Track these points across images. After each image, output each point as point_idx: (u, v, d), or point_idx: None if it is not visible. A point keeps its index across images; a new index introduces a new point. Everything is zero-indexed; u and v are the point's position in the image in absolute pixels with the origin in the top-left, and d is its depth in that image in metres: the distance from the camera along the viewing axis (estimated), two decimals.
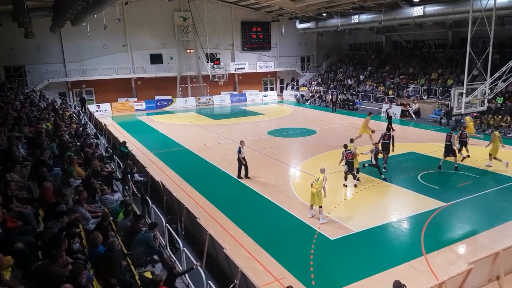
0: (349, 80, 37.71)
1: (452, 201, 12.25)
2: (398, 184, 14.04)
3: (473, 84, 17.40)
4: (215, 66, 36.23)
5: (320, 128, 24.53)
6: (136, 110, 35.16)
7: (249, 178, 15.14)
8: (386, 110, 24.21)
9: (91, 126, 23.59)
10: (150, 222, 9.56)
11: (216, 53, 38.33)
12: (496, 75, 16.58)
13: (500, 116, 22.51)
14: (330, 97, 33.36)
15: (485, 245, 9.39)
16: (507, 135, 21.07)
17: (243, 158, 14.99)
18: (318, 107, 35.04)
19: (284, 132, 23.51)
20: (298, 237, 10.46)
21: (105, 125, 23.43)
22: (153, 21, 36.08)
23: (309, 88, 40.05)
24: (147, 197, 11.12)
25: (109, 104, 34.69)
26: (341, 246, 9.92)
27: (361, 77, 36.78)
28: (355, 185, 13.96)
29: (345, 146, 14.10)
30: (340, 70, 41.14)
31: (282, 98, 41.43)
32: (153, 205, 10.58)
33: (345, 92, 35.43)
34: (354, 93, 34.70)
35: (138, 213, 9.90)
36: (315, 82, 40.96)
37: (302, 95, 38.61)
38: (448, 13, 25.97)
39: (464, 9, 22.72)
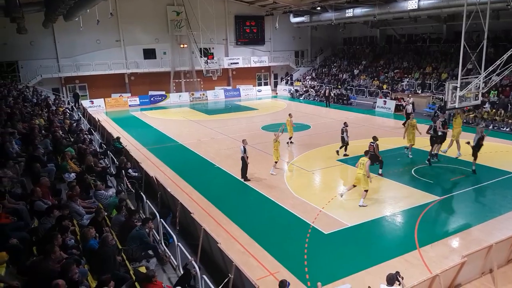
0: (343, 74, 37.72)
1: (446, 195, 12.36)
2: (392, 179, 14.10)
3: (467, 78, 17.44)
4: (208, 61, 36.16)
5: (314, 123, 24.55)
6: (130, 105, 34.99)
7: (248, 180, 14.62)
8: (405, 106, 24.22)
9: (84, 122, 23.42)
10: (144, 217, 9.55)
11: (209, 48, 38.18)
12: (490, 68, 16.62)
13: (494, 110, 22.64)
14: (324, 91, 33.38)
15: (478, 239, 9.47)
16: (501, 129, 21.23)
17: (247, 157, 14.40)
18: (313, 101, 35.06)
19: (278, 127, 23.43)
20: (292, 232, 10.49)
21: (98, 120, 23.28)
22: (146, 16, 35.81)
23: (303, 82, 40.01)
24: (141, 193, 11.09)
25: (102, 99, 34.49)
26: (335, 240, 9.97)
27: (356, 72, 36.81)
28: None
29: (374, 138, 14.15)
30: (335, 64, 41.12)
31: (276, 93, 41.38)
32: (147, 201, 10.56)
33: (339, 86, 35.45)
34: (349, 87, 34.74)
35: (133, 208, 9.88)
36: (309, 77, 40.94)
37: (296, 90, 38.58)
38: (443, 6, 25.95)
39: (459, 3, 22.72)
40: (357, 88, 34.04)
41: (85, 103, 32.90)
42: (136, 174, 13.31)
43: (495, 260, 7.86)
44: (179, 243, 8.07)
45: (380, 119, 26.51)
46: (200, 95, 38.50)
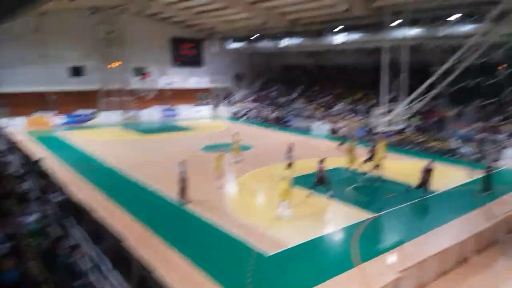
0: (282, 98, 38.90)
1: (380, 212, 12.91)
2: (331, 197, 14.46)
3: (392, 105, 18.96)
4: (143, 80, 35.20)
5: (256, 143, 24.69)
6: (55, 125, 32.52)
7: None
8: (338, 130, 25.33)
9: (3, 142, 21.22)
10: (71, 244, 8.65)
11: (145, 67, 37.19)
12: (412, 96, 18.20)
13: (420, 134, 24.46)
14: (264, 114, 34.05)
15: (412, 254, 9.86)
16: (425, 150, 22.94)
17: (186, 179, 13.97)
18: (253, 122, 35.44)
19: (218, 148, 23.24)
20: (234, 255, 10.20)
21: (19, 141, 21.24)
22: (76, 33, 33.90)
23: (244, 104, 40.51)
24: (67, 218, 10.11)
25: (24, 118, 31.67)
26: (276, 261, 9.84)
27: (293, 96, 38.18)
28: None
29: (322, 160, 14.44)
30: (273, 88, 42.30)
31: (216, 114, 41.26)
32: (74, 226, 9.63)
33: (278, 109, 36.41)
34: (287, 110, 35.82)
35: (58, 234, 8.92)
36: (250, 99, 41.60)
37: (237, 111, 38.88)
38: (368, 40, 28.31)
39: (381, 38, 24.55)
40: (294, 111, 35.23)
41: (4, 121, 29.98)
42: (61, 198, 12.19)
43: (428, 273, 8.25)
44: (112, 271, 7.39)
45: (316, 140, 27.48)
46: (133, 114, 36.93)
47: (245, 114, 37.93)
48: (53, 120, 32.81)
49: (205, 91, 43.54)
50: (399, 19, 21.70)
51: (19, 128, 30.42)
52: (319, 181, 14.21)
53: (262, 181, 16.73)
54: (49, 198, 11.43)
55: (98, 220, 10.49)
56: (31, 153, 18.10)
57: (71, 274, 7.25)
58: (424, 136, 23.92)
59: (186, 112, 39.77)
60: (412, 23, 20.38)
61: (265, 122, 33.06)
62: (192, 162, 19.39)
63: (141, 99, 36.90)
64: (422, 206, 13.82)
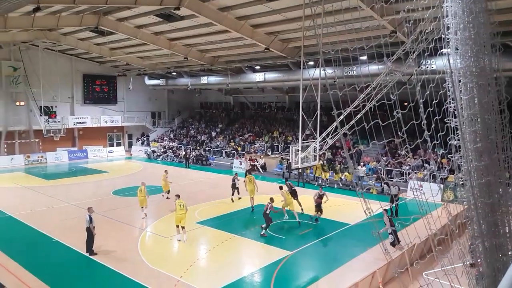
0: (201, 136, 38.69)
1: (296, 249, 13.10)
2: (248, 237, 14.39)
3: (307, 141, 19.87)
4: (50, 120, 32.77)
5: (173, 185, 23.85)
6: None
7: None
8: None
9: None
10: None
11: (52, 106, 34.74)
12: (324, 134, 19.30)
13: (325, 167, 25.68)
14: (184, 153, 33.46)
15: None
16: (336, 185, 24.19)
17: (94, 227, 12.79)
18: (171, 162, 34.45)
19: (132, 191, 21.83)
20: None
21: None
22: None
23: (161, 143, 39.37)
24: None
25: None
26: None
27: (213, 134, 38.24)
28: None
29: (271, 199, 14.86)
30: (193, 126, 42.04)
31: (131, 154, 39.44)
32: None
33: (198, 147, 36.03)
34: (207, 148, 35.59)
35: None
36: (167, 138, 40.63)
37: (153, 151, 37.58)
38: (284, 80, 30.05)
39: (297, 77, 26.23)
40: (215, 149, 35.14)
41: None
42: None
43: None
44: None
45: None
46: (38, 157, 33.66)
47: (164, 153, 36.86)
48: None
49: (119, 130, 41.72)
50: (314, 59, 23.33)
51: None
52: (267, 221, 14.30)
53: (175, 227, 16.01)
54: None
55: None
56: None
57: None
58: (333, 171, 24.99)
59: (97, 154, 37.44)
60: (326, 63, 22.01)
61: (186, 161, 32.39)
62: (102, 207, 18.19)
63: (48, 140, 34.05)
64: (336, 240, 14.33)
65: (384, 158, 24.65)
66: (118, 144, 41.50)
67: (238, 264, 12.31)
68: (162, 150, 37.45)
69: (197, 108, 46.47)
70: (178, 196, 14.48)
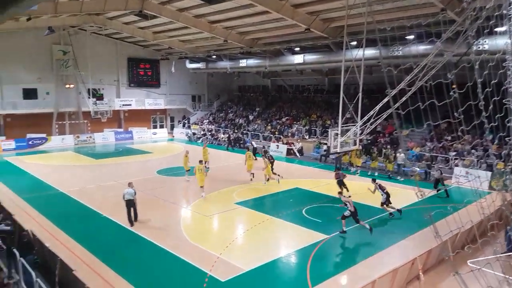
0: (239, 119, 39.05)
1: (333, 233, 13.08)
2: (285, 219, 14.52)
3: (347, 125, 19.50)
4: (97, 102, 34.29)
5: (213, 166, 24.46)
6: (3, 150, 30.59)
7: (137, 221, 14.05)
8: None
9: None
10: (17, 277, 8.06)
11: (99, 89, 36.28)
12: (365, 118, 18.80)
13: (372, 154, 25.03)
14: (227, 135, 34.14)
15: (363, 274, 10.03)
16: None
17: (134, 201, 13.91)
18: (210, 145, 35.11)
19: (174, 171, 22.82)
20: (188, 282, 9.92)
21: None
22: (28, 54, 32.70)
23: (201, 126, 40.22)
24: (13, 249, 9.42)
25: None
26: (232, 287, 9.67)
27: (251, 117, 38.45)
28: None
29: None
30: (231, 109, 42.46)
31: (173, 136, 40.65)
32: (21, 258, 8.98)
33: (235, 131, 36.47)
34: (244, 131, 35.94)
35: (3, 267, 8.27)
36: (207, 121, 41.39)
37: (194, 133, 38.50)
38: (324, 61, 29.25)
39: (338, 59, 25.29)
40: (252, 132, 35.41)
41: None
42: (8, 228, 11.39)
43: None
44: None
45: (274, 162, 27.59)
46: (87, 137, 35.63)
47: (203, 135, 37.65)
48: (3, 145, 30.90)
49: (162, 112, 43.01)
50: (357, 39, 22.45)
51: None
52: None
53: (215, 206, 16.52)
54: None
55: (45, 250, 9.90)
56: None
57: None
58: (373, 157, 24.11)
59: (142, 135, 38.92)
60: (369, 43, 21.11)
61: (228, 144, 32.97)
62: (146, 185, 19.05)
63: (95, 121, 35.79)
64: (375, 226, 14.13)
65: (429, 144, 23.78)
66: (161, 126, 42.92)
67: (275, 245, 12.52)
68: (202, 133, 38.29)
69: (235, 92, 46.78)
70: (200, 161, 17.94)
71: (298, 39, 28.42)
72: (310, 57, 29.83)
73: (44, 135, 33.49)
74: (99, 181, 20.63)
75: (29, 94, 33.69)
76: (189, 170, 20.31)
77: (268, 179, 19.76)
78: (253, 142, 31.12)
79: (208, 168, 21.09)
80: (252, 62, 34.88)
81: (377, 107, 18.15)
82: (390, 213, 14.97)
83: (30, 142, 32.31)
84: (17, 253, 9.15)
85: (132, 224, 13.72)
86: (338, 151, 18.67)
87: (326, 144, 27.09)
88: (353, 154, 22.90)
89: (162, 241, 12.41)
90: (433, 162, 21.79)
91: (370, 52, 23.02)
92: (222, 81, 46.22)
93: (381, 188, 15.00)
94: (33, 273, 8.22)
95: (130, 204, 13.78)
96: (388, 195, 14.85)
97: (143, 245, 12.27)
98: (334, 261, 11.41)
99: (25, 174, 22.82)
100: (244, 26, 27.74)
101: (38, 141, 32.79)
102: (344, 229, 13.11)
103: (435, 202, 16.12)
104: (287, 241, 12.83)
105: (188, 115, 43.69)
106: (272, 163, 20.57)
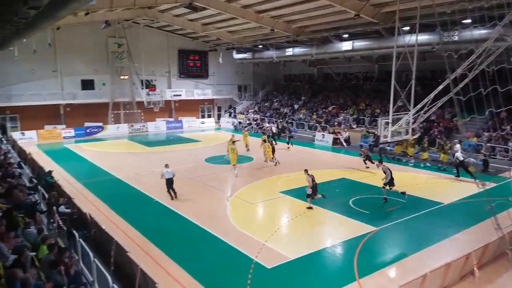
0: (284, 108, 38.95)
1: (382, 225, 12.79)
2: (331, 210, 14.38)
3: (398, 114, 18.75)
4: (150, 92, 35.67)
5: (257, 155, 24.71)
6: (64, 137, 32.94)
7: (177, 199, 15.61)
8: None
9: (14, 155, 21.58)
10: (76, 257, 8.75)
11: (151, 80, 37.71)
12: (419, 106, 17.98)
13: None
14: (268, 124, 34.33)
15: (413, 268, 9.75)
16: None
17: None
18: (255, 134, 35.43)
19: (221, 159, 23.34)
20: (234, 267, 10.19)
21: (29, 153, 21.58)
22: (86, 47, 34.73)
23: (247, 115, 40.65)
24: (73, 230, 10.22)
25: (35, 131, 32.13)
26: (277, 274, 9.81)
27: (296, 106, 38.20)
28: None
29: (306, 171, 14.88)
30: (276, 99, 42.44)
31: (220, 125, 41.50)
32: (80, 239, 9.73)
33: (280, 120, 36.46)
34: (289, 121, 35.82)
35: (62, 246, 9.01)
36: (252, 110, 41.74)
37: (240, 122, 39.02)
38: (374, 48, 28.21)
39: (389, 45, 24.13)
40: (297, 122, 35.20)
41: (16, 134, 30.58)
42: (69, 210, 12.34)
43: None
44: (114, 285, 7.44)
45: (319, 151, 27.42)
46: (140, 126, 37.41)
47: (249, 125, 38.01)
48: (62, 133, 33.25)
49: (210, 102, 43.96)
50: (409, 24, 21.13)
51: (30, 141, 30.84)
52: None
53: (260, 194, 16.73)
54: (56, 211, 11.58)
55: (102, 232, 10.63)
56: (42, 165, 18.37)
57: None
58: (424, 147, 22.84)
59: (191, 124, 40.12)
60: (423, 28, 19.95)
61: (277, 135, 33.00)
62: (195, 172, 19.73)
63: (148, 111, 37.34)
64: (426, 219, 13.64)
65: (486, 133, 22.37)
66: (209, 116, 43.96)
67: (321, 235, 12.49)
68: (247, 122, 38.69)
69: (281, 81, 46.61)
70: (233, 142, 20.38)
71: (347, 26, 27.66)
72: (359, 44, 28.91)
73: (100, 124, 35.57)
74: (151, 168, 21.60)
75: (87, 85, 35.82)
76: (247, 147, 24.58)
77: (265, 160, 21.45)
78: (273, 127, 32.22)
79: (248, 149, 24.97)
80: (298, 50, 34.52)
81: (432, 94, 17.30)
82: (384, 198, 14.98)
83: (87, 130, 34.44)
84: (76, 234, 9.90)
85: (172, 198, 15.63)
86: (389, 141, 18.05)
87: (374, 133, 26.33)
88: (408, 144, 21.78)
89: (210, 226, 12.82)
90: (492, 153, 20.49)
91: (423, 37, 21.90)
92: (268, 71, 46.26)
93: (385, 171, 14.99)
94: (91, 254, 8.84)
95: (170, 181, 15.56)
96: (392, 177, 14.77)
97: (192, 230, 12.74)
98: (382, 254, 11.17)
99: (83, 160, 24.42)
100: (291, 14, 27.46)
101: (95, 129, 34.89)
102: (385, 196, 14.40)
103: (495, 194, 15.17)
104: (333, 231, 12.73)
105: (234, 104, 44.30)
106: (273, 147, 22.02)
